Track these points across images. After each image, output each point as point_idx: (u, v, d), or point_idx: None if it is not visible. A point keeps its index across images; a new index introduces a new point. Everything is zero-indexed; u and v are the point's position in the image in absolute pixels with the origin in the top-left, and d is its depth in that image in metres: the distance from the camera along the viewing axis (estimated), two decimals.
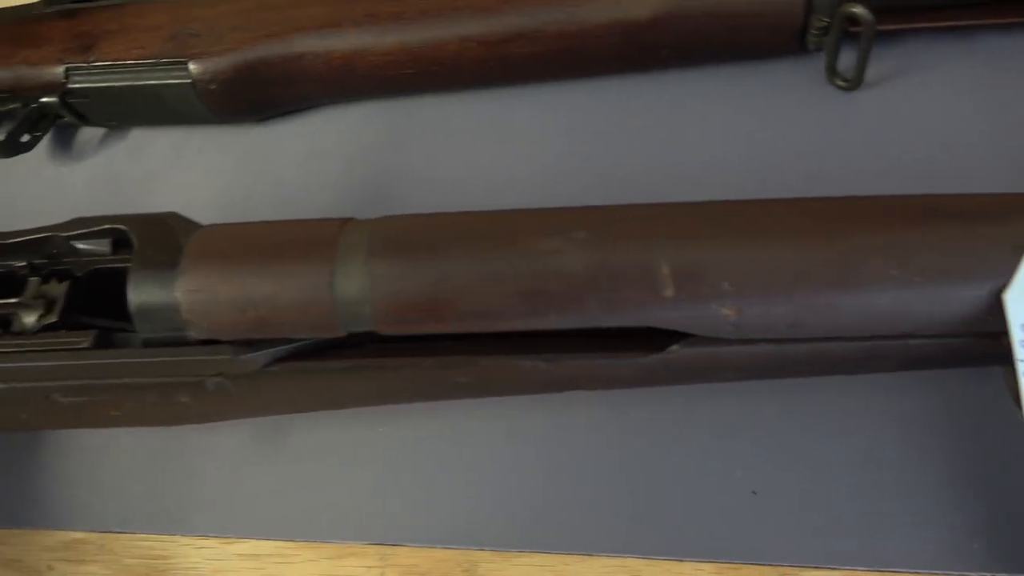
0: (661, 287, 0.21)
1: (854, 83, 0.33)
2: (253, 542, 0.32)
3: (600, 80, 0.37)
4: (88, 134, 0.43)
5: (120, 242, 0.26)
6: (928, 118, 0.32)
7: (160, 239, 0.24)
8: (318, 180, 0.39)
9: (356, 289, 0.22)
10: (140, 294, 0.24)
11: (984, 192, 0.22)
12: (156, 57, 0.38)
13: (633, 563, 0.28)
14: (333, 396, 0.27)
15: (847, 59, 0.33)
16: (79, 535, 0.34)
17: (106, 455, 0.35)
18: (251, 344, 0.24)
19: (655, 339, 0.23)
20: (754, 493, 0.27)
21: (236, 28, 0.38)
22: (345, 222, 0.24)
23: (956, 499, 0.25)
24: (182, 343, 0.24)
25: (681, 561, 0.27)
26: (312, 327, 0.23)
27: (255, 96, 0.39)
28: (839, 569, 0.26)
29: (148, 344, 0.24)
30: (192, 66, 0.37)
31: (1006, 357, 0.22)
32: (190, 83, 0.38)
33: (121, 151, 0.43)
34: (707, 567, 0.27)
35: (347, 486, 0.31)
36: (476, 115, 0.38)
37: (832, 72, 0.33)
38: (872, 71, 0.33)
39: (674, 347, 0.23)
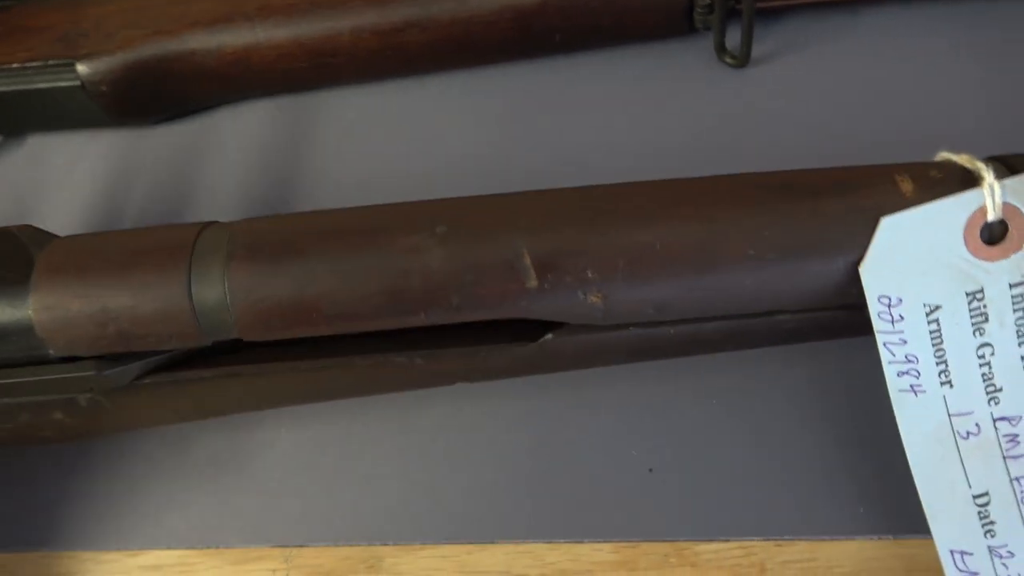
0: (524, 278, 0.21)
1: (742, 60, 0.33)
2: (156, 553, 0.31)
3: (496, 68, 0.36)
4: None
5: None
6: (815, 92, 0.33)
7: (9, 254, 0.23)
8: (220, 181, 0.38)
9: (215, 296, 0.22)
10: None
11: (840, 166, 0.22)
12: (44, 59, 0.37)
13: (535, 548, 0.28)
14: (214, 404, 0.26)
15: (736, 37, 0.33)
16: None
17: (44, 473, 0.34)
18: (117, 358, 0.23)
19: (532, 328, 0.23)
20: (650, 471, 0.27)
21: (125, 26, 0.37)
22: (205, 226, 0.23)
23: (842, 466, 0.26)
24: (44, 361, 0.23)
25: (581, 543, 0.27)
26: (175, 338, 0.22)
27: (149, 96, 0.38)
28: (733, 540, 0.26)
29: (8, 364, 0.23)
30: (80, 67, 0.36)
31: (871, 327, 0.22)
32: (79, 85, 0.37)
33: (18, 158, 0.41)
34: (606, 547, 0.27)
35: (249, 490, 0.31)
36: (376, 108, 0.38)
37: (721, 50, 0.33)
38: (761, 47, 0.34)
39: (547, 336, 0.23)
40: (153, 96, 0.38)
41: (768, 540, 0.26)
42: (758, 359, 0.27)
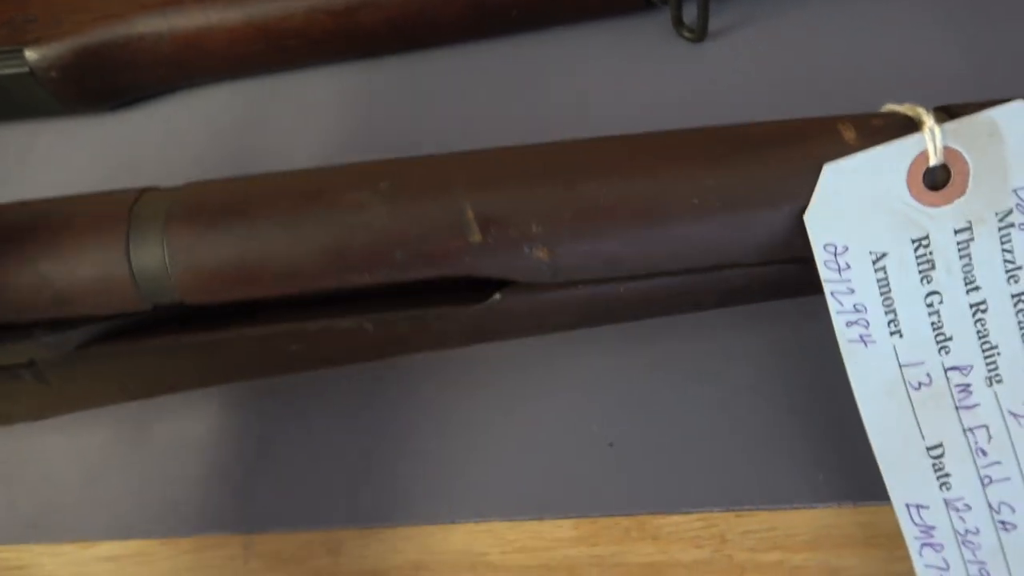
0: (467, 233, 0.21)
1: (699, 34, 0.33)
2: (112, 544, 0.31)
3: (454, 48, 0.36)
4: None
5: None
6: (773, 65, 0.33)
7: None
8: (177, 167, 0.38)
9: (155, 258, 0.21)
10: None
11: (785, 119, 0.22)
12: None
13: (496, 526, 0.27)
14: (163, 379, 0.25)
15: (693, 11, 0.33)
16: None
17: None
18: (57, 327, 0.23)
19: (484, 295, 0.23)
20: (611, 445, 0.27)
21: (75, 10, 0.36)
22: (145, 190, 0.23)
23: (801, 435, 0.26)
24: None
25: (542, 520, 0.27)
26: (115, 303, 0.22)
27: (100, 82, 0.37)
28: (695, 512, 0.26)
29: None
30: (29, 53, 0.36)
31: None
32: (28, 72, 0.36)
33: None
34: (566, 523, 0.27)
35: (207, 478, 0.30)
36: (334, 90, 0.37)
37: (679, 24, 0.33)
38: (718, 21, 0.33)
39: (496, 295, 0.22)
40: (105, 82, 0.37)
41: (728, 511, 0.26)
42: (715, 329, 0.27)
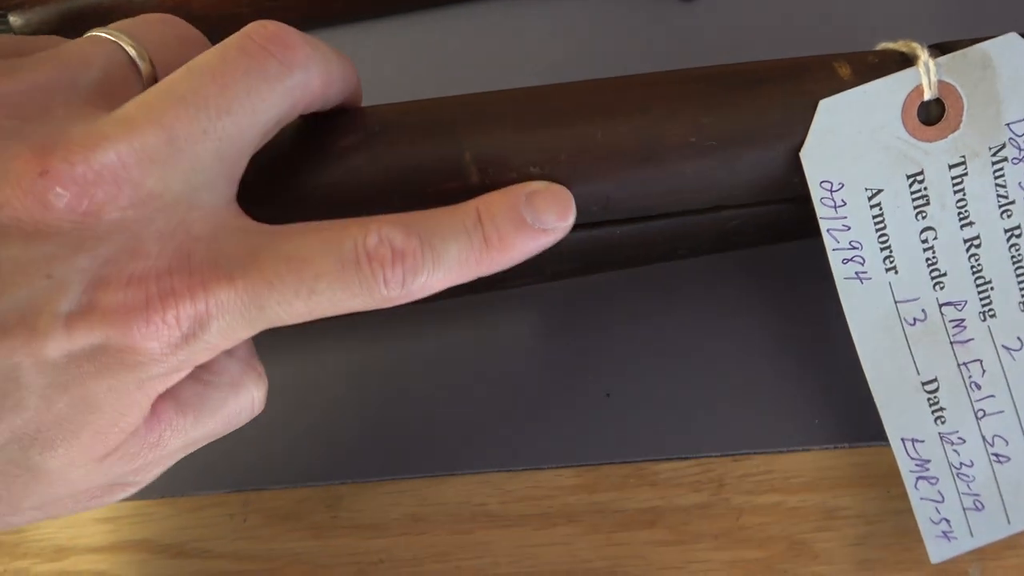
0: (465, 175, 0.21)
1: None
2: (109, 506, 0.30)
3: (445, 9, 0.36)
4: None
5: None
6: (764, 24, 0.32)
7: None
8: None
9: None
10: None
11: (779, 57, 0.22)
12: None
13: (495, 477, 0.27)
14: None
15: None
16: None
17: None
18: None
19: None
20: (607, 395, 0.27)
21: None
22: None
23: (795, 378, 0.26)
24: None
25: (541, 469, 0.27)
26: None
27: None
28: (692, 458, 0.26)
29: None
30: (13, 18, 0.35)
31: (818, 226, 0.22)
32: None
33: None
34: (566, 472, 0.27)
35: None
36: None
37: None
38: None
39: None
40: None
41: (725, 456, 0.26)
42: (709, 277, 0.27)
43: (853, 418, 0.25)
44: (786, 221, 0.22)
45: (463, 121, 0.21)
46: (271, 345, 0.30)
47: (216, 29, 0.37)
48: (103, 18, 0.35)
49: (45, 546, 0.31)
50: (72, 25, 0.35)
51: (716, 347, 0.27)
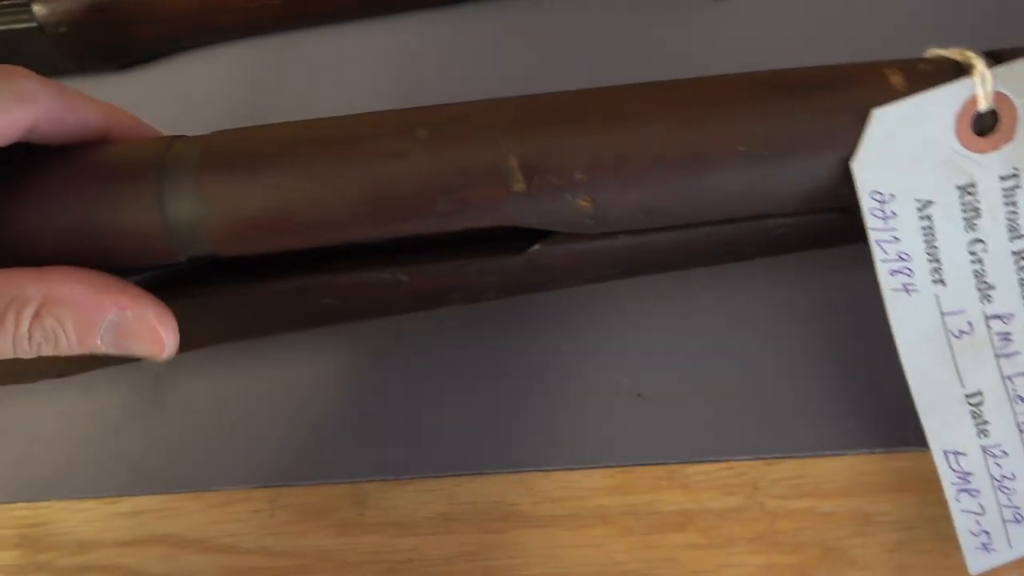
0: (510, 181, 0.21)
1: None
2: (134, 499, 0.30)
3: (477, 4, 0.36)
4: None
5: None
6: (798, 23, 0.32)
7: None
8: (189, 128, 0.37)
9: (188, 208, 0.21)
10: None
11: (828, 64, 0.22)
12: None
13: (527, 476, 0.27)
14: (192, 335, 0.25)
15: None
16: None
17: None
18: None
19: (518, 245, 0.23)
20: (639, 396, 0.27)
21: None
22: (174, 139, 0.23)
23: (830, 382, 0.26)
24: None
25: (573, 470, 0.27)
26: (148, 254, 0.22)
27: (111, 38, 0.36)
28: (724, 460, 0.26)
29: None
30: (37, 8, 0.35)
31: (862, 233, 0.22)
32: (37, 27, 0.35)
33: None
34: (598, 473, 0.27)
35: (230, 432, 0.30)
36: (356, 48, 0.36)
37: None
38: None
39: (536, 246, 0.22)
40: (117, 39, 0.36)
41: (759, 459, 0.26)
42: (743, 278, 0.27)
43: (889, 422, 0.25)
44: (832, 229, 0.22)
45: (508, 125, 0.21)
46: (294, 342, 0.30)
47: (247, 23, 0.37)
48: (131, 9, 0.35)
49: (68, 540, 0.31)
50: (97, 17, 0.35)
51: (749, 349, 0.27)
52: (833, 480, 0.25)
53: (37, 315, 0.21)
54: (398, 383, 0.29)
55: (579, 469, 0.27)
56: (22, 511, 0.31)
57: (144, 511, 0.30)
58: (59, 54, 0.36)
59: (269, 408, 0.30)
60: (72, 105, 0.22)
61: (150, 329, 0.22)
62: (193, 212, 0.21)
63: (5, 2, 0.35)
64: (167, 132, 0.36)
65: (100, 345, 0.22)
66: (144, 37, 0.37)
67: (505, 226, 0.21)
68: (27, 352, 0.21)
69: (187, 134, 0.36)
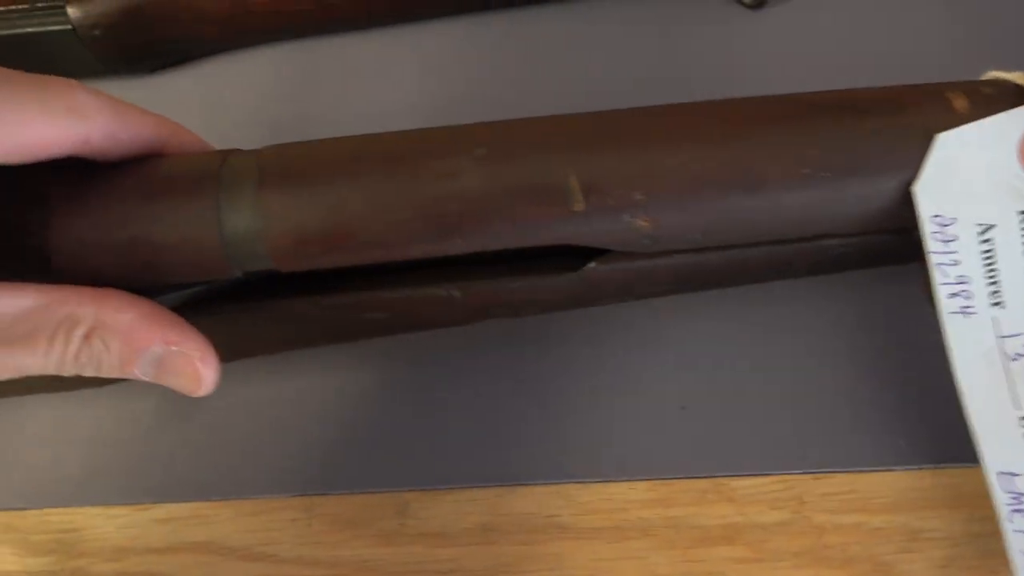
0: (570, 201, 0.21)
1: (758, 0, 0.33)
2: (169, 506, 0.30)
3: (510, 11, 0.36)
4: None
5: None
6: (834, 32, 0.32)
7: None
8: (220, 132, 0.36)
9: (246, 223, 0.21)
10: None
11: (889, 85, 0.22)
12: (32, 1, 0.35)
13: (566, 488, 0.27)
14: (239, 344, 0.25)
15: None
16: None
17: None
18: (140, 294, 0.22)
19: (569, 261, 0.23)
20: (682, 408, 0.27)
21: None
22: (228, 153, 0.22)
23: (879, 397, 0.26)
24: None
25: (615, 482, 0.27)
26: (203, 268, 0.21)
27: (145, 41, 0.36)
28: (771, 475, 0.26)
29: None
30: (71, 9, 0.35)
31: (916, 253, 0.22)
32: (70, 29, 0.35)
33: None
34: (640, 485, 0.27)
35: (266, 440, 0.30)
36: (387, 53, 0.36)
37: None
38: None
39: (591, 264, 0.22)
40: (149, 41, 0.36)
41: (806, 473, 0.26)
42: (788, 290, 0.27)
43: (940, 438, 0.25)
44: (886, 249, 0.22)
45: (567, 145, 0.21)
46: (340, 348, 0.30)
47: (278, 27, 0.36)
48: (164, 12, 0.35)
49: (103, 546, 0.31)
50: (133, 20, 0.35)
51: (795, 362, 0.27)
52: (881, 495, 0.25)
53: (86, 337, 0.21)
54: (439, 393, 0.29)
55: (620, 481, 0.27)
56: (56, 516, 0.31)
57: (178, 518, 0.30)
58: (90, 56, 0.36)
59: (306, 416, 0.30)
60: (127, 120, 0.22)
61: (191, 367, 0.22)
62: (251, 226, 0.21)
63: (39, 4, 0.35)
64: (198, 133, 0.37)
65: (139, 374, 0.22)
66: (175, 40, 0.37)
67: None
68: (69, 371, 0.21)
69: (216, 138, 0.36)
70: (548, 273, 0.23)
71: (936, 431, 0.25)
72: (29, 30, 0.36)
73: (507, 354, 0.29)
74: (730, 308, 0.28)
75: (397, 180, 0.21)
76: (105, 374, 0.22)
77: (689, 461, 0.27)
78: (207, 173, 0.22)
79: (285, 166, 0.22)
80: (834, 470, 0.25)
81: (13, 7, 0.35)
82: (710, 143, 0.21)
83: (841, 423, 0.26)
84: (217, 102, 0.37)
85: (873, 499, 0.25)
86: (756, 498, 0.26)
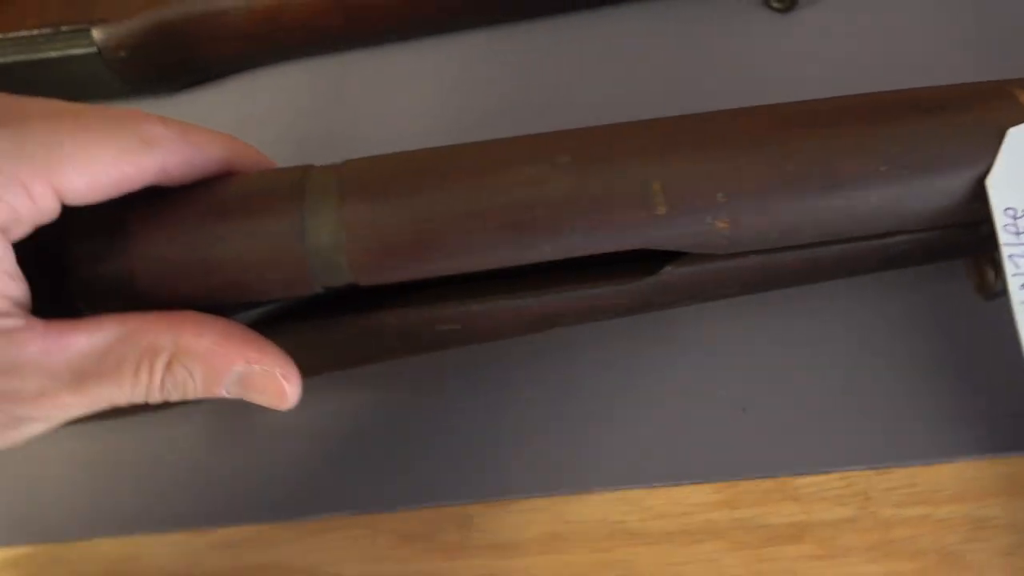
0: (654, 205, 0.21)
1: (788, 4, 0.33)
2: (226, 530, 0.30)
3: (540, 21, 0.36)
4: None
5: None
6: (864, 36, 0.33)
7: None
8: None
9: (329, 237, 0.21)
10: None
11: (948, 84, 0.22)
12: (56, 25, 0.35)
13: (632, 493, 0.28)
14: (312, 361, 0.25)
15: None
16: (24, 550, 0.32)
17: (46, 464, 0.32)
18: (219, 312, 0.22)
19: (641, 265, 0.23)
20: (743, 410, 0.27)
21: None
22: (307, 168, 0.23)
23: (936, 389, 0.26)
24: None
25: (679, 485, 0.27)
26: (284, 285, 0.21)
27: (171, 62, 0.36)
28: (833, 471, 0.26)
29: None
30: (96, 32, 0.34)
31: (980, 246, 0.23)
32: (96, 52, 0.35)
33: None
34: (705, 487, 0.27)
35: (321, 459, 0.30)
36: (421, 66, 0.36)
37: None
38: None
39: (667, 268, 0.23)
40: (176, 62, 0.36)
41: (869, 469, 0.26)
42: (844, 287, 0.27)
43: (997, 427, 0.26)
44: (952, 243, 0.23)
45: (647, 150, 0.21)
46: (398, 363, 0.30)
47: (308, 42, 0.36)
48: (192, 32, 0.35)
49: (159, 574, 0.30)
50: (164, 40, 0.34)
51: (854, 359, 0.27)
52: (945, 487, 0.26)
53: (168, 365, 0.21)
54: (499, 405, 0.29)
55: (685, 485, 0.27)
56: (108, 546, 0.31)
57: (238, 542, 0.30)
58: (113, 78, 0.36)
59: (358, 434, 0.30)
60: (197, 144, 0.22)
61: (275, 384, 0.22)
62: (334, 241, 0.21)
63: (63, 28, 0.35)
64: None
65: (225, 394, 0.22)
66: (203, 59, 0.36)
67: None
68: (155, 399, 0.21)
69: None
70: (624, 279, 0.23)
71: (994, 421, 0.25)
72: (53, 54, 0.35)
73: (568, 363, 0.29)
74: (786, 309, 0.28)
75: (480, 189, 0.21)
76: (191, 398, 0.21)
77: (752, 462, 0.27)
78: (288, 189, 0.22)
79: (366, 179, 0.22)
80: (896, 464, 0.26)
81: (38, 31, 0.35)
82: (789, 143, 0.21)
83: (899, 418, 0.26)
84: (247, 119, 0.37)
85: (936, 491, 0.26)
86: (820, 496, 0.26)
